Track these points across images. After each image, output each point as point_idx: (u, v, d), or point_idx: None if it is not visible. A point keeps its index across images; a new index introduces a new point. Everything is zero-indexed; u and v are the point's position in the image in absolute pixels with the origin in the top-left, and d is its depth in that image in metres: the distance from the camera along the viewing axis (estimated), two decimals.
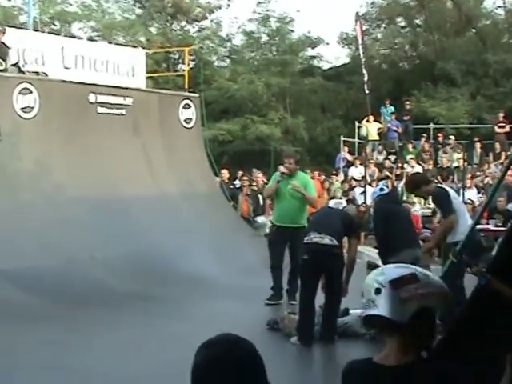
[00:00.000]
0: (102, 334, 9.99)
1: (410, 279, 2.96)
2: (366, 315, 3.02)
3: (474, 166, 24.66)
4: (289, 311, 10.58)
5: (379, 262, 10.29)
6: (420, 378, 2.89)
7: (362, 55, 30.80)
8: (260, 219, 19.37)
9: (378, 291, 2.94)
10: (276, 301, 12.20)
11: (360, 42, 31.39)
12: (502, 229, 15.05)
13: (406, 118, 27.73)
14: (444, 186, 11.04)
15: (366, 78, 29.99)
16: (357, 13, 32.95)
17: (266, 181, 21.92)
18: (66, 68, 16.33)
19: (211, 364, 2.35)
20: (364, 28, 33.71)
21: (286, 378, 7.92)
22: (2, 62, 14.65)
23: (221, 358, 2.35)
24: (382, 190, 10.94)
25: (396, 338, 2.96)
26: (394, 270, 3.05)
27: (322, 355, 9.74)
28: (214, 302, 12.21)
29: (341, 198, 19.11)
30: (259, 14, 37.76)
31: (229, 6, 39.50)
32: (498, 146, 24.56)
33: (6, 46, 14.85)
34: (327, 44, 38.91)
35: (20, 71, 14.92)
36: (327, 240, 9.61)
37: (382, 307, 2.94)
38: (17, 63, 15.00)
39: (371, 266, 10.31)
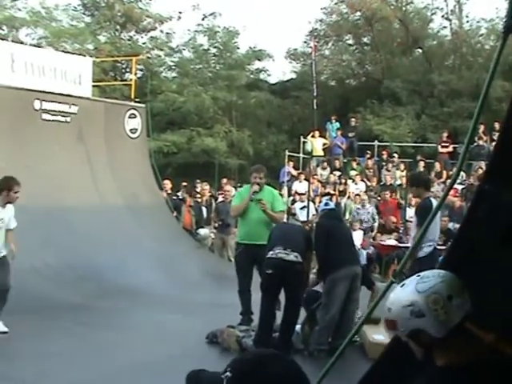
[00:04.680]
0: (36, 343, 9.87)
1: None
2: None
3: None
4: (228, 325, 10.54)
5: None
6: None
7: (313, 71, 30.97)
8: (202, 231, 19.32)
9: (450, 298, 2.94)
10: (247, 325, 10.99)
11: (313, 57, 31.63)
12: (443, 247, 15.20)
13: (351, 134, 27.90)
14: (433, 199, 10.94)
15: (315, 94, 30.14)
16: (312, 29, 33.48)
17: (211, 193, 21.95)
18: (14, 73, 16.12)
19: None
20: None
21: None
22: None
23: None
24: (326, 204, 10.98)
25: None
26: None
27: None
28: (154, 313, 12.10)
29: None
30: (206, 26, 37.93)
31: (180, 18, 39.52)
32: (438, 165, 24.71)
33: None
34: (273, 60, 39.27)
35: None
36: (292, 257, 9.60)
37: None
38: None
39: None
